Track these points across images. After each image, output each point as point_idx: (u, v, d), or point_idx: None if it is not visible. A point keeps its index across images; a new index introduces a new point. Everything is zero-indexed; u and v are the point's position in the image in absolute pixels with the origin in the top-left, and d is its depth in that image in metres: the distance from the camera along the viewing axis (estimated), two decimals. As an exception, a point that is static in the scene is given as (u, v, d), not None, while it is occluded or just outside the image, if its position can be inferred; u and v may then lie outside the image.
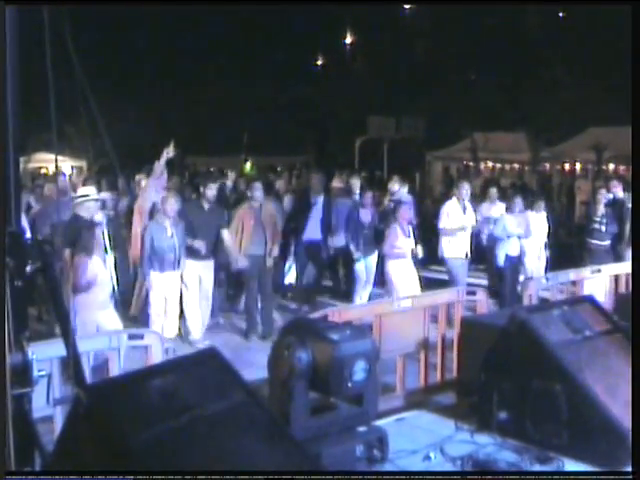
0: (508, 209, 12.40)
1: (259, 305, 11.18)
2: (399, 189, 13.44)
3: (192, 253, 10.27)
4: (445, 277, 12.27)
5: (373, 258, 12.13)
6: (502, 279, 12.45)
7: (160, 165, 10.83)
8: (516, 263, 12.38)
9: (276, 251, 11.20)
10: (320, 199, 12.73)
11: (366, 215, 12.15)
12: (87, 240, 8.02)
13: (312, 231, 12.47)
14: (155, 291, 9.88)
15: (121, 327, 7.84)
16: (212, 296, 10.73)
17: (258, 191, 11.18)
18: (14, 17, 3.67)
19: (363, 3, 39.01)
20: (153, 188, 10.78)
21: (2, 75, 3.57)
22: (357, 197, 12.87)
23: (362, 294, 12.15)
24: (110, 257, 8.52)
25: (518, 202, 12.39)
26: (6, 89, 3.61)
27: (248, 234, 10.95)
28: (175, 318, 10.15)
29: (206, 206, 10.64)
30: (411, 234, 11.11)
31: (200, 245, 10.28)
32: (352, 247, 11.98)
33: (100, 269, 8.05)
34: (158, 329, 9.14)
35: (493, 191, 13.94)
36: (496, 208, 13.10)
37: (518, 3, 34.97)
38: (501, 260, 12.29)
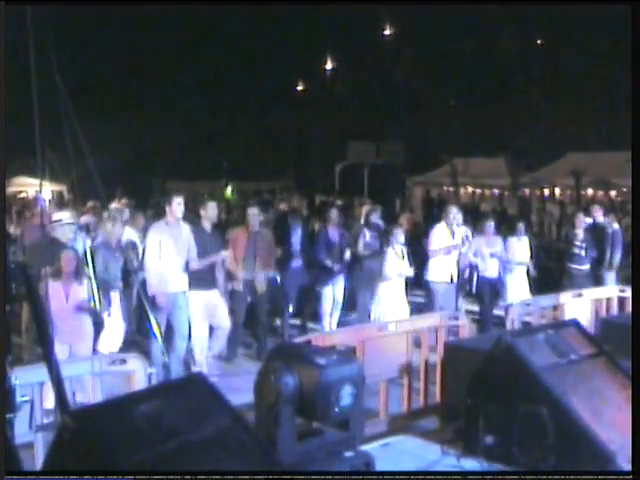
0: (480, 232, 12.42)
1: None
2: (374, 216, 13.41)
3: (197, 283, 9.86)
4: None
5: (340, 280, 12.10)
6: (480, 303, 12.46)
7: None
8: (494, 286, 12.37)
9: (263, 277, 11.03)
10: (299, 221, 12.69)
11: (334, 236, 12.12)
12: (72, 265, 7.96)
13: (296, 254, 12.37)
14: None
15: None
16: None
17: (255, 217, 11.04)
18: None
19: (343, 29, 39.29)
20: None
21: (3, 74, 3.53)
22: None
23: (332, 317, 12.08)
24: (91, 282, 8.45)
25: (490, 225, 12.43)
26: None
27: (240, 259, 10.79)
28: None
29: (208, 228, 10.28)
30: (405, 257, 11.16)
31: (224, 255, 10.11)
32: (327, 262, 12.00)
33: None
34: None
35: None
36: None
37: (491, 15, 35.27)
38: (479, 283, 12.31)
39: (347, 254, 11.99)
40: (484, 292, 12.26)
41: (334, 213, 12.47)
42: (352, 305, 12.73)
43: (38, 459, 5.16)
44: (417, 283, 12.42)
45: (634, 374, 4.71)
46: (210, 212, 10.33)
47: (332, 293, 12.03)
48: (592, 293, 10.28)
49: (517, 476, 4.47)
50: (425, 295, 12.51)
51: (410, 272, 11.16)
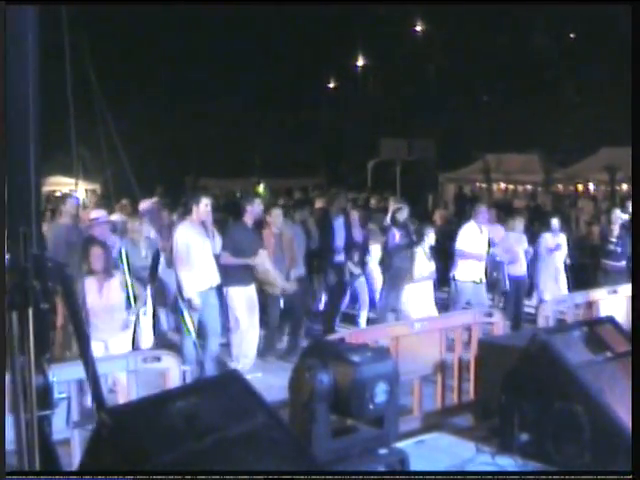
0: (510, 229, 12.33)
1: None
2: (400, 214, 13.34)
3: (236, 279, 9.90)
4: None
5: (363, 279, 12.08)
6: (506, 300, 12.35)
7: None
8: (522, 283, 12.28)
9: (293, 276, 10.99)
10: (341, 219, 12.66)
11: (357, 234, 12.10)
12: (101, 261, 8.01)
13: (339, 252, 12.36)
14: None
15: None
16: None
17: (278, 217, 10.97)
18: (35, 40, 3.69)
19: (374, 25, 39.24)
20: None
21: (2, 75, 3.56)
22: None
23: (361, 315, 12.07)
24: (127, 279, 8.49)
25: (519, 222, 12.34)
26: (29, 111, 3.63)
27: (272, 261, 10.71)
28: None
29: (250, 223, 10.24)
30: (432, 257, 11.11)
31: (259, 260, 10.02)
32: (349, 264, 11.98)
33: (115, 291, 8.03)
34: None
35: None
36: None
37: (524, 10, 35.04)
38: (506, 281, 12.22)
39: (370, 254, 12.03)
40: (510, 289, 12.19)
41: (355, 214, 12.45)
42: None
43: (75, 456, 5.22)
44: (442, 281, 12.38)
45: (634, 374, 4.66)
46: (257, 208, 10.34)
47: (355, 292, 12.03)
48: (628, 290, 10.16)
49: (517, 476, 4.45)
50: (449, 292, 12.42)
51: (432, 268, 11.12)
